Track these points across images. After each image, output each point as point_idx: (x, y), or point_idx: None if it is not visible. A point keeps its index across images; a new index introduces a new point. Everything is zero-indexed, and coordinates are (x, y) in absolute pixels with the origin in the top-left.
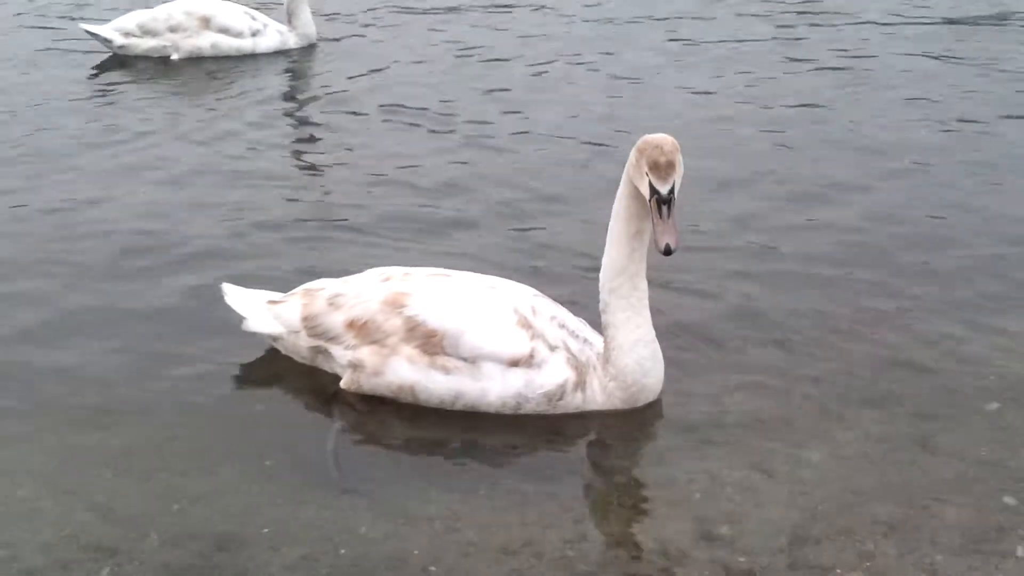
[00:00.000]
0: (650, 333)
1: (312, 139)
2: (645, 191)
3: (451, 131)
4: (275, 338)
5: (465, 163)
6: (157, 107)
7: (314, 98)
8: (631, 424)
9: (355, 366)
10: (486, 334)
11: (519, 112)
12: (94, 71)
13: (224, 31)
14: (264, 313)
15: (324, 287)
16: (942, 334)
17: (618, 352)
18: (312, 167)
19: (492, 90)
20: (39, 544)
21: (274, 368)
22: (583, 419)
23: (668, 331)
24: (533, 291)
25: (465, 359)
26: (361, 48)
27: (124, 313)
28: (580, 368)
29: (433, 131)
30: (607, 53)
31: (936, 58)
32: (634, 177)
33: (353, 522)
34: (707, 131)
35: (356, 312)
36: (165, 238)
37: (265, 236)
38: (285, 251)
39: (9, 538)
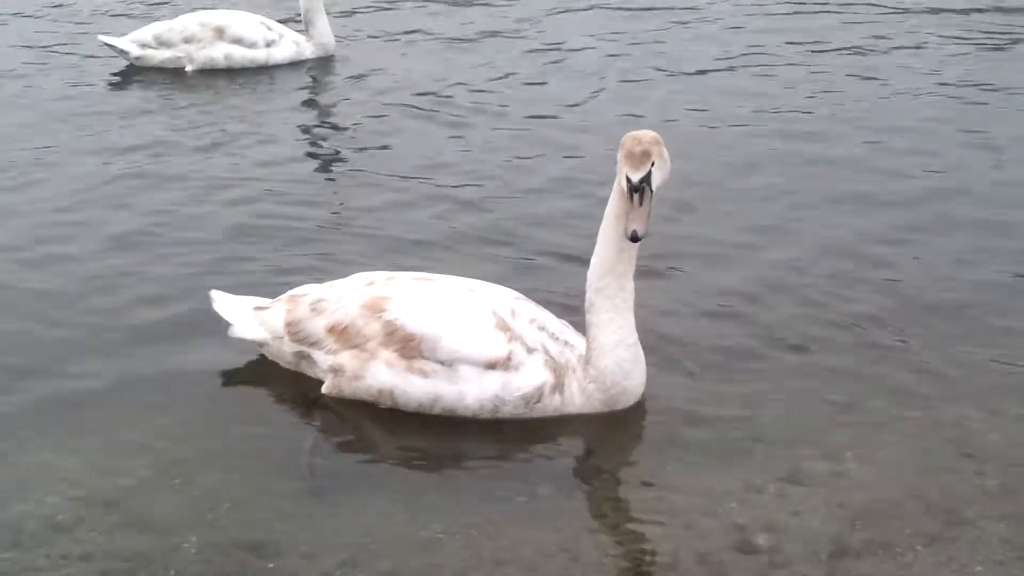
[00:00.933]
0: (632, 335)
1: (323, 149)
2: (622, 181)
3: (473, 142)
4: (260, 344)
5: (487, 175)
6: (167, 119)
7: (324, 109)
8: (649, 430)
9: (336, 371)
10: (463, 337)
11: (541, 124)
12: (110, 82)
13: (238, 41)
14: (250, 319)
15: (308, 292)
16: (980, 336)
17: (598, 353)
18: (326, 175)
19: (515, 100)
20: (80, 554)
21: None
22: (595, 426)
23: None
24: (515, 294)
25: (442, 362)
26: (377, 59)
27: (139, 323)
28: (559, 370)
29: (454, 139)
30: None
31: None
32: (618, 172)
33: (390, 530)
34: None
35: (337, 317)
36: (181, 246)
37: (277, 245)
38: (296, 260)
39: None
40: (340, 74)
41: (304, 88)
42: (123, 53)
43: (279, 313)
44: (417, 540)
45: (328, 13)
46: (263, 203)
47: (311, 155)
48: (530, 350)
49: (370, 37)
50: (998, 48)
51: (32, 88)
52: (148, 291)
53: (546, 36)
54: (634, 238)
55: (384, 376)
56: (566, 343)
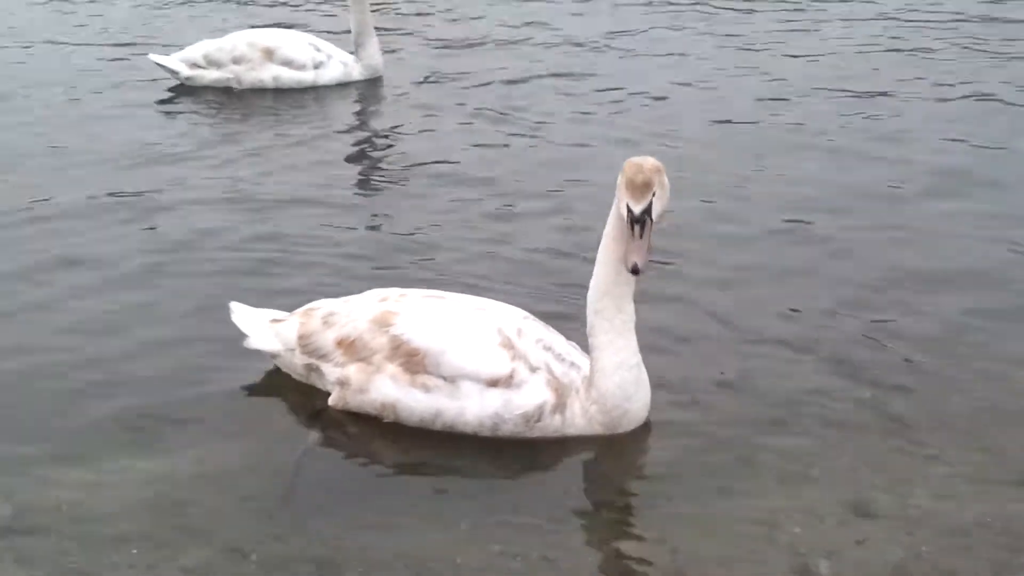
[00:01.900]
0: (634, 357)
1: (370, 170)
2: (622, 210)
3: (525, 171)
4: (274, 356)
5: (540, 194)
6: (213, 137)
7: (370, 130)
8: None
9: (342, 383)
10: (467, 353)
11: (592, 145)
12: (161, 101)
13: (287, 63)
14: (266, 331)
15: (321, 306)
16: None
17: (600, 375)
18: (370, 195)
19: (567, 123)
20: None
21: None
22: (598, 448)
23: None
24: (524, 314)
25: (445, 378)
26: (422, 82)
27: (174, 340)
28: (561, 390)
29: (508, 159)
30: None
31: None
32: (618, 197)
33: (449, 551)
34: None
35: (346, 330)
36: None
37: (319, 261)
38: (334, 278)
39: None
40: (387, 97)
41: (345, 109)
42: (173, 73)
43: (293, 326)
44: (404, 554)
45: (377, 31)
46: (307, 219)
47: (360, 175)
48: (533, 369)
49: (422, 59)
50: None
51: (80, 102)
52: (189, 305)
53: (609, 53)
54: (634, 271)
55: (388, 390)
56: (572, 364)
